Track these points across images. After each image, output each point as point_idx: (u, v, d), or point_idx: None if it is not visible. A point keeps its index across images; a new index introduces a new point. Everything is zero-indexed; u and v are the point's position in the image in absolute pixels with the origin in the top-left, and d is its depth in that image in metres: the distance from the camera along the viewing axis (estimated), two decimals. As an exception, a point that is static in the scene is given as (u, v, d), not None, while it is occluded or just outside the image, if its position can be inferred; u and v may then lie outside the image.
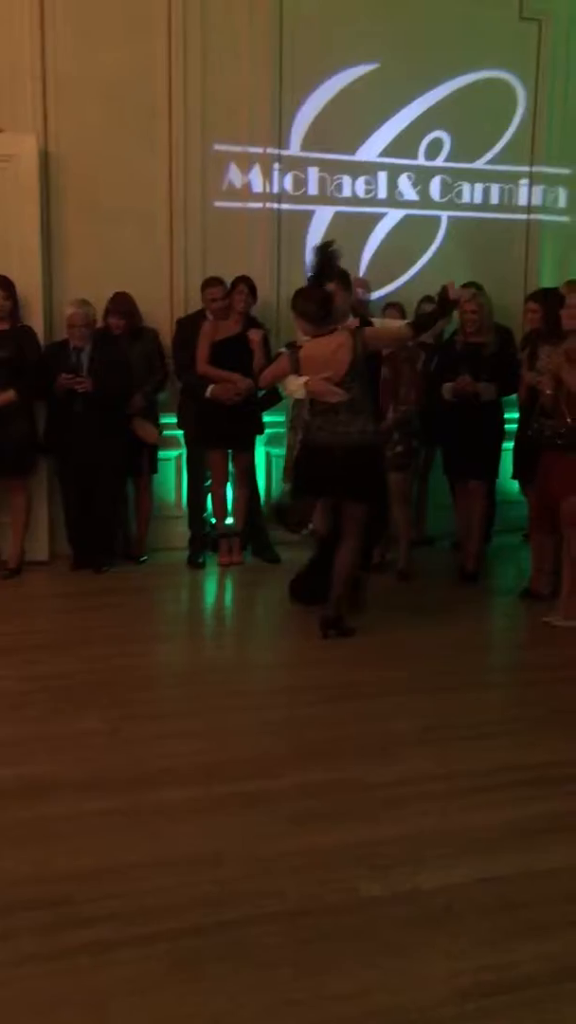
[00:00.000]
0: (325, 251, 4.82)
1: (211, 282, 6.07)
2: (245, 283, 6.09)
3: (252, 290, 6.13)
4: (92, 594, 5.63)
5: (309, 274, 4.88)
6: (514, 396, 5.71)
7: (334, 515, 4.98)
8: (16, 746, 3.66)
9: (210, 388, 5.93)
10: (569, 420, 4.92)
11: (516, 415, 5.71)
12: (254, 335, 5.99)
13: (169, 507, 6.55)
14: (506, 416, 5.92)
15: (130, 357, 5.98)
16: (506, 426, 5.94)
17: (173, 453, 6.49)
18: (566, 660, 4.69)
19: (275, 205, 6.53)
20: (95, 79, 5.99)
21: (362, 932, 2.57)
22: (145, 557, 6.26)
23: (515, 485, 6.09)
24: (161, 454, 6.36)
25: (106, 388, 5.73)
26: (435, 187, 6.85)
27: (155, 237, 6.29)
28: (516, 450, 5.75)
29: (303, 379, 4.72)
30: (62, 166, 6.02)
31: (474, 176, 6.93)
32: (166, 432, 6.31)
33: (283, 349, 5.07)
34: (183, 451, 6.42)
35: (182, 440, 6.36)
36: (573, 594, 5.10)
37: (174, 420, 6.31)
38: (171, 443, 6.41)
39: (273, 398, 6.22)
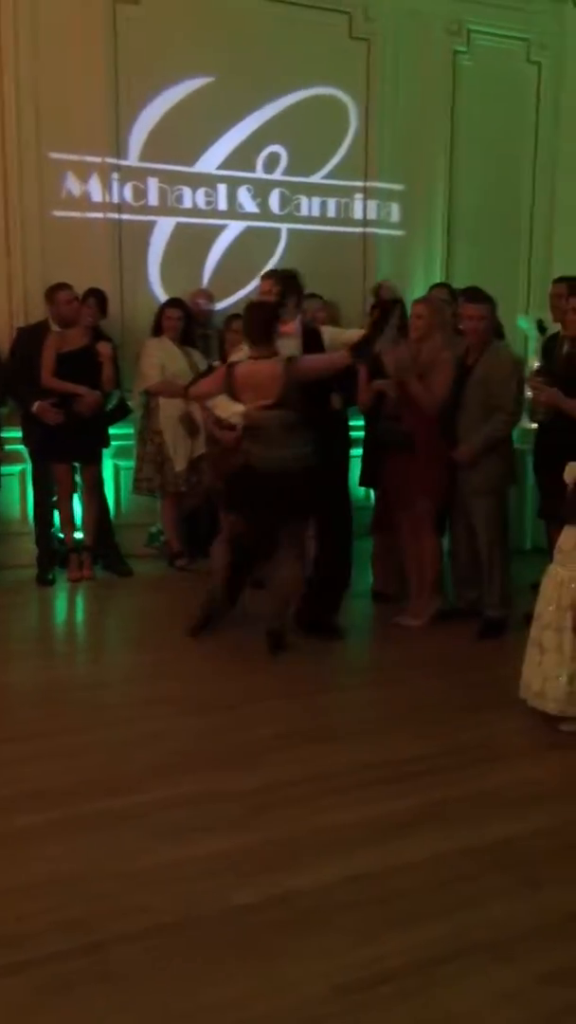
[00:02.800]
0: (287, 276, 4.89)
1: (59, 288, 5.95)
2: (95, 296, 6.03)
3: (102, 303, 6.06)
4: None
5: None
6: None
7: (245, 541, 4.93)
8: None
9: (36, 404, 5.79)
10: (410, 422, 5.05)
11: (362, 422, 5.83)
12: (104, 348, 5.93)
13: (14, 523, 6.37)
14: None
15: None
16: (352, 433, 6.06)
17: (16, 468, 6.32)
18: (417, 658, 4.83)
19: (116, 215, 6.47)
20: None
21: (235, 940, 2.57)
22: (-10, 576, 6.07)
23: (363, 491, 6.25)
24: (3, 469, 6.18)
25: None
26: (274, 200, 6.95)
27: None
28: (364, 455, 5.86)
29: (240, 407, 4.61)
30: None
31: (311, 190, 7.06)
32: (8, 447, 6.14)
33: (216, 363, 5.06)
34: (27, 465, 6.26)
35: (25, 454, 6.20)
36: (421, 594, 5.27)
37: (17, 435, 6.14)
38: (14, 457, 6.24)
39: (123, 411, 6.16)
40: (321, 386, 4.80)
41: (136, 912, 2.67)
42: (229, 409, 4.68)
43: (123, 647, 5.25)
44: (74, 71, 6.16)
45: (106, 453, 6.31)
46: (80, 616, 5.82)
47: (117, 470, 6.61)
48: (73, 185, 6.34)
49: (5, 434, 6.12)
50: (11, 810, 3.24)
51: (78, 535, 6.15)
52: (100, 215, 6.44)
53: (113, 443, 6.35)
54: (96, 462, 6.18)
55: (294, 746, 3.77)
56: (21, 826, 3.13)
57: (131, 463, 6.43)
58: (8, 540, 6.27)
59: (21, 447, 6.18)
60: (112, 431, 6.29)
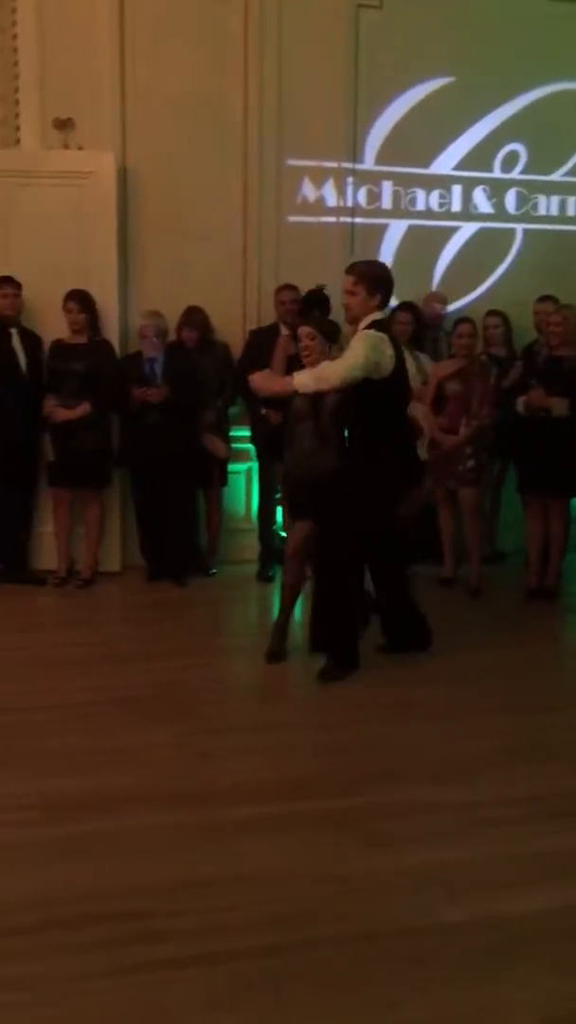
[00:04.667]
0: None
1: (284, 290, 6.07)
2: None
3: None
4: (162, 606, 5.65)
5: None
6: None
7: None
8: (84, 757, 3.66)
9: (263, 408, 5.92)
10: None
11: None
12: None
13: (239, 520, 6.56)
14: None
15: (201, 370, 6.01)
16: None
17: (243, 466, 6.50)
18: None
19: (349, 219, 6.53)
20: (172, 96, 6.05)
21: (440, 957, 2.51)
22: (215, 570, 6.27)
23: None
24: (232, 467, 6.37)
25: (178, 398, 5.77)
26: (511, 200, 6.78)
27: (229, 252, 6.33)
28: None
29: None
30: (139, 182, 6.09)
31: (551, 188, 6.84)
32: (236, 445, 6.33)
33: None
34: (253, 464, 6.43)
35: (252, 453, 6.37)
36: None
37: (246, 433, 6.32)
38: (241, 456, 6.42)
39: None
40: None
41: (343, 917, 2.67)
42: None
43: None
44: (316, 78, 6.26)
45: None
46: (297, 614, 5.89)
47: (415, 469, 6.62)
48: (309, 190, 6.44)
49: (233, 432, 6.30)
50: (224, 802, 3.32)
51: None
52: (333, 219, 6.52)
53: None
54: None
55: (513, 763, 3.65)
56: (233, 818, 3.20)
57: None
58: (232, 536, 6.46)
59: (248, 446, 6.35)
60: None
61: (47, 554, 6.08)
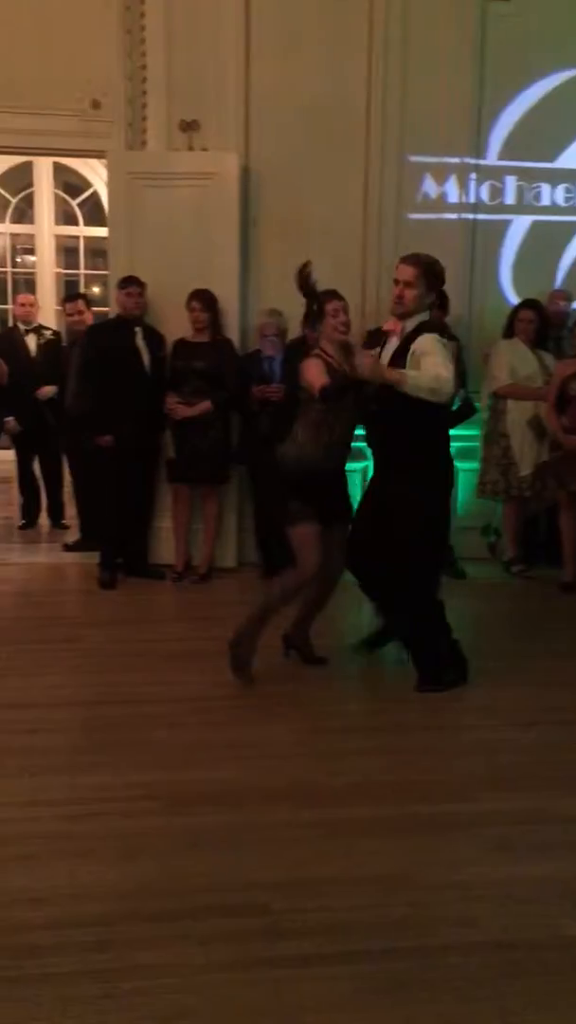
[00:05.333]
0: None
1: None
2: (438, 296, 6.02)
3: (442, 303, 6.04)
4: (278, 603, 5.68)
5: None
6: None
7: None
8: (203, 751, 3.71)
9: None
10: None
11: None
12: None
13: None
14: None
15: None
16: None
17: (359, 465, 6.48)
18: None
19: (471, 216, 6.44)
20: (296, 95, 6.08)
21: (563, 971, 2.45)
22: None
23: None
24: (347, 465, 6.35)
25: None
26: None
27: (349, 250, 6.32)
28: None
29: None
30: (261, 182, 6.14)
31: None
32: (353, 444, 6.30)
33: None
34: (368, 463, 6.40)
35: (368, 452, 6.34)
36: None
37: (360, 432, 6.28)
38: (357, 455, 6.39)
39: (467, 412, 6.10)
40: None
41: (462, 924, 2.64)
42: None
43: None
44: (440, 73, 6.20)
45: (447, 453, 6.30)
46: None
47: (457, 472, 6.56)
48: (430, 187, 6.38)
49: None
50: (340, 801, 3.32)
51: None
52: (455, 216, 6.44)
53: (455, 444, 6.31)
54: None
55: None
56: (353, 819, 3.20)
57: (473, 465, 6.38)
58: (348, 535, 6.45)
59: (362, 444, 6.32)
60: (455, 432, 6.24)
61: (166, 549, 6.20)
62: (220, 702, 4.16)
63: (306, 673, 4.54)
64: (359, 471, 6.48)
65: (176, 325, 5.97)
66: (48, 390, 6.96)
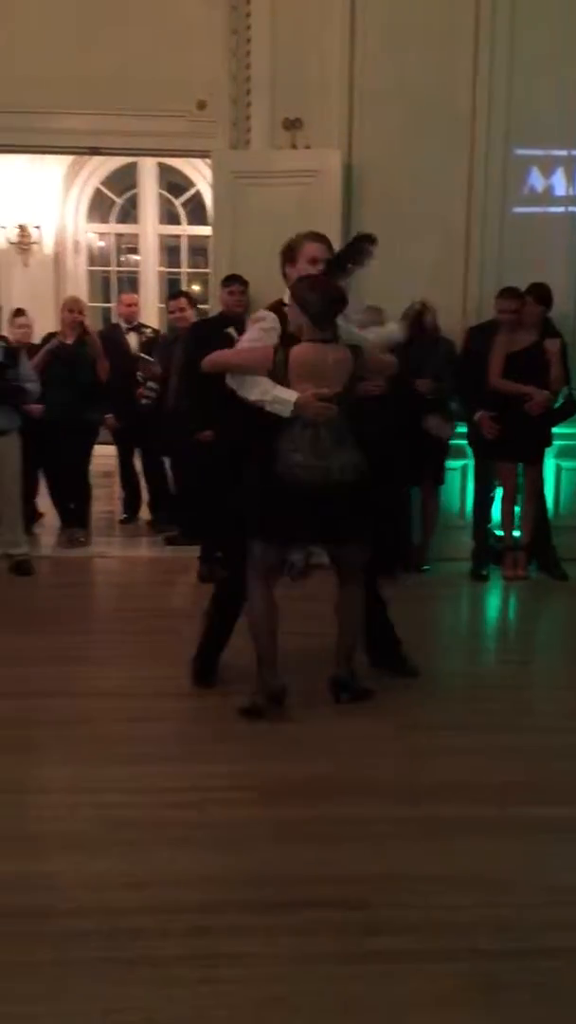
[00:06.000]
0: (360, 241, 4.01)
1: (505, 293, 5.94)
2: (538, 290, 5.92)
3: (545, 298, 5.95)
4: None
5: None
6: None
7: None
8: (300, 744, 3.72)
9: (478, 414, 5.84)
10: None
11: None
12: (551, 345, 5.81)
13: (453, 517, 6.48)
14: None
15: (422, 367, 5.97)
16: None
17: (459, 463, 6.42)
18: None
19: (577, 208, 6.31)
20: (400, 91, 6.05)
21: None
22: (428, 567, 6.23)
23: None
24: (448, 463, 6.31)
25: (396, 395, 5.76)
26: None
27: (452, 245, 6.26)
28: None
29: (292, 393, 3.73)
30: (364, 178, 6.13)
31: None
32: (454, 442, 6.26)
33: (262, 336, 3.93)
34: (470, 461, 6.34)
35: (469, 450, 6.28)
36: None
37: (463, 429, 6.24)
38: (458, 452, 6.34)
39: (569, 410, 5.99)
40: None
41: (566, 928, 2.59)
42: (278, 394, 3.75)
43: (555, 652, 5.12)
44: (548, 64, 6.08)
45: (548, 452, 6.20)
46: (511, 615, 5.78)
47: (559, 470, 6.46)
48: (536, 180, 6.27)
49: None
50: (437, 799, 3.29)
51: (516, 533, 6.11)
52: (561, 209, 6.33)
53: (556, 442, 6.21)
54: (539, 462, 6.09)
55: None
56: (453, 817, 3.17)
57: (575, 464, 6.26)
58: (447, 533, 6.40)
59: (463, 442, 6.27)
60: (556, 430, 6.15)
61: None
62: (317, 696, 4.16)
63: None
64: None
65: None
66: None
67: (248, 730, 3.82)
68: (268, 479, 3.80)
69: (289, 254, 3.97)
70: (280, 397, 3.73)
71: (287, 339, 3.84)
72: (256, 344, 3.86)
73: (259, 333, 3.86)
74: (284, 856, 2.93)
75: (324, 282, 3.85)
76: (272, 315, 3.89)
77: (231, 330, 5.07)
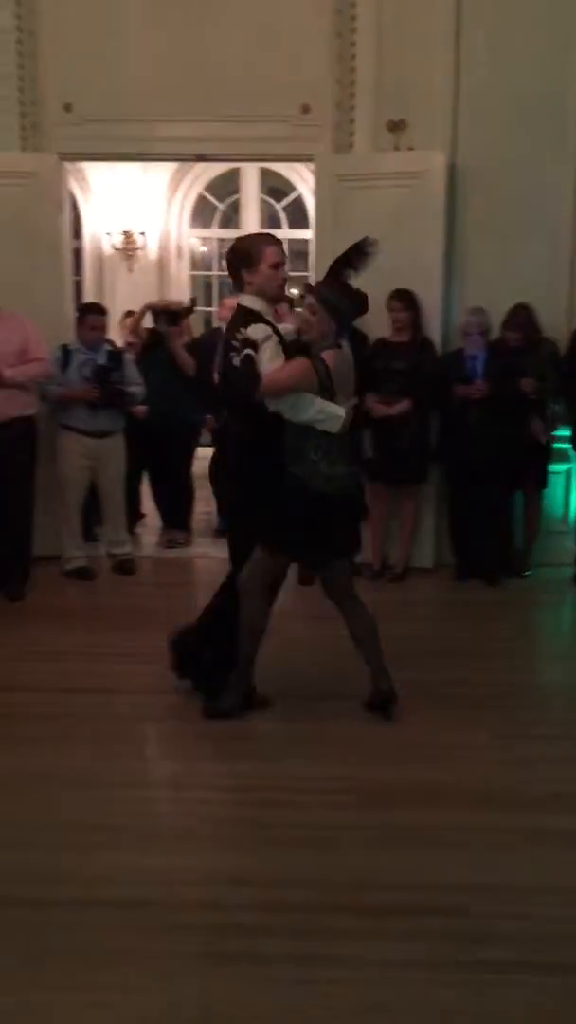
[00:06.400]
0: (362, 246, 3.96)
1: None
2: None
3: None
4: (475, 605, 5.61)
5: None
6: None
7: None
8: (400, 749, 3.71)
9: None
10: None
11: None
12: None
13: (555, 522, 6.36)
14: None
15: (525, 368, 5.88)
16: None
17: (563, 467, 6.30)
18: None
19: None
20: (506, 91, 5.95)
21: None
22: (529, 571, 6.12)
23: None
24: (551, 467, 6.19)
25: (500, 397, 5.70)
26: None
27: (557, 248, 6.11)
28: None
29: (340, 408, 3.71)
30: (468, 180, 6.06)
31: None
32: (557, 445, 6.14)
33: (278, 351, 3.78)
34: (574, 465, 6.22)
35: (573, 454, 6.15)
36: None
37: (567, 433, 6.11)
38: (562, 456, 6.22)
39: None
40: None
41: None
42: (331, 410, 3.69)
43: None
44: None
45: None
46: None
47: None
48: None
49: (556, 432, 6.11)
50: (541, 809, 3.25)
51: (621, 540, 5.97)
52: None
53: None
54: None
55: None
56: (556, 828, 3.13)
57: None
58: (549, 538, 6.28)
59: (567, 446, 6.14)
60: None
61: (362, 547, 6.21)
62: (416, 701, 4.13)
63: (503, 678, 4.45)
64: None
65: (377, 324, 5.99)
66: None
67: (348, 732, 3.82)
68: (294, 490, 3.76)
69: (245, 258, 3.83)
70: (332, 412, 3.69)
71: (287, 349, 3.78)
72: (277, 361, 3.69)
73: (275, 347, 3.73)
74: (385, 861, 2.92)
75: (351, 289, 3.88)
76: (267, 327, 3.74)
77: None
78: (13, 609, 5.39)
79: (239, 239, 4.08)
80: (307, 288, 3.96)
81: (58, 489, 5.98)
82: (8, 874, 2.85)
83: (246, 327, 3.72)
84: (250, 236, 4.07)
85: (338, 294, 3.84)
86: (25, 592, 5.56)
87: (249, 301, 3.85)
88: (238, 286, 3.92)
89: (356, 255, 3.94)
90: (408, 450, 5.90)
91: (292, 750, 3.69)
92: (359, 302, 3.89)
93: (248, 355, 3.66)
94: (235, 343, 3.74)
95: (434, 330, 6.05)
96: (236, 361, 3.72)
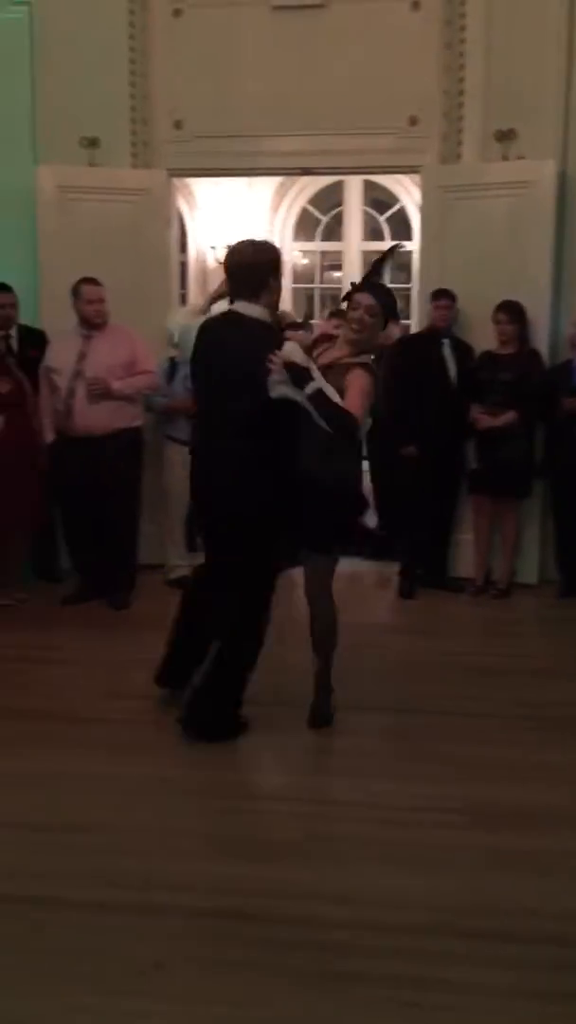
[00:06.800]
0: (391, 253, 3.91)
1: None
2: None
3: None
4: (582, 623, 5.48)
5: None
6: None
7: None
8: (509, 769, 3.64)
9: None
10: None
11: None
12: None
13: None
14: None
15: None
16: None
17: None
18: None
19: None
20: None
21: None
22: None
23: None
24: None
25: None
26: None
27: None
28: None
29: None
30: (578, 189, 5.95)
31: None
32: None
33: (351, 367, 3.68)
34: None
35: None
36: None
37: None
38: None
39: None
40: None
41: None
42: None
43: None
44: None
45: None
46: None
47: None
48: None
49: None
50: None
51: None
52: None
53: None
54: None
55: None
56: None
57: None
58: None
59: None
60: None
61: (465, 561, 6.15)
62: (523, 721, 4.06)
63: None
64: None
65: (483, 336, 5.92)
66: None
67: (456, 752, 3.76)
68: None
69: (276, 264, 3.69)
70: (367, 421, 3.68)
71: None
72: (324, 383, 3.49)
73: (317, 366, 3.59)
74: (496, 885, 2.86)
75: (392, 293, 3.85)
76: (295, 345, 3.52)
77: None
78: (119, 618, 5.49)
79: (254, 243, 3.78)
80: (355, 288, 3.78)
81: (162, 500, 6.06)
82: (132, 880, 2.88)
83: (279, 348, 3.45)
84: (264, 241, 3.84)
85: (391, 300, 3.78)
86: (131, 601, 5.65)
87: (260, 313, 3.64)
88: (247, 294, 3.64)
89: (384, 264, 3.91)
90: (512, 462, 5.80)
91: (394, 767, 3.65)
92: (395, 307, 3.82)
93: (319, 391, 3.44)
94: (270, 365, 3.42)
95: (541, 341, 5.94)
96: (284, 391, 3.43)
